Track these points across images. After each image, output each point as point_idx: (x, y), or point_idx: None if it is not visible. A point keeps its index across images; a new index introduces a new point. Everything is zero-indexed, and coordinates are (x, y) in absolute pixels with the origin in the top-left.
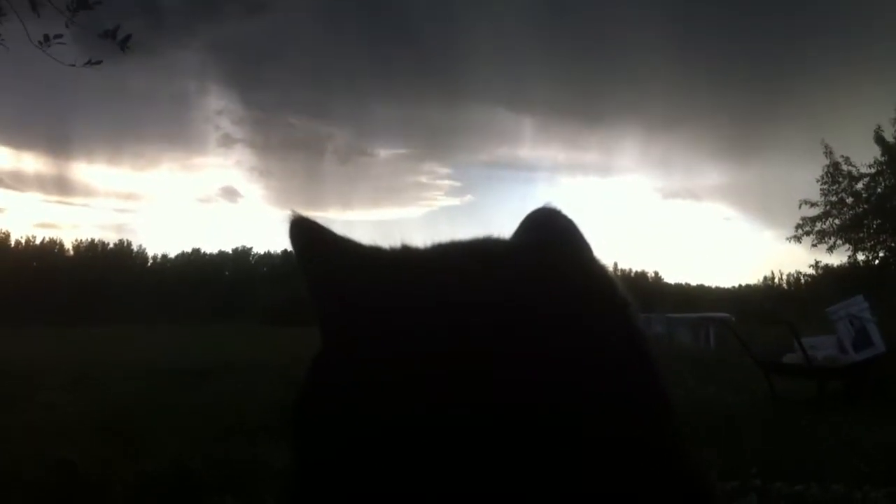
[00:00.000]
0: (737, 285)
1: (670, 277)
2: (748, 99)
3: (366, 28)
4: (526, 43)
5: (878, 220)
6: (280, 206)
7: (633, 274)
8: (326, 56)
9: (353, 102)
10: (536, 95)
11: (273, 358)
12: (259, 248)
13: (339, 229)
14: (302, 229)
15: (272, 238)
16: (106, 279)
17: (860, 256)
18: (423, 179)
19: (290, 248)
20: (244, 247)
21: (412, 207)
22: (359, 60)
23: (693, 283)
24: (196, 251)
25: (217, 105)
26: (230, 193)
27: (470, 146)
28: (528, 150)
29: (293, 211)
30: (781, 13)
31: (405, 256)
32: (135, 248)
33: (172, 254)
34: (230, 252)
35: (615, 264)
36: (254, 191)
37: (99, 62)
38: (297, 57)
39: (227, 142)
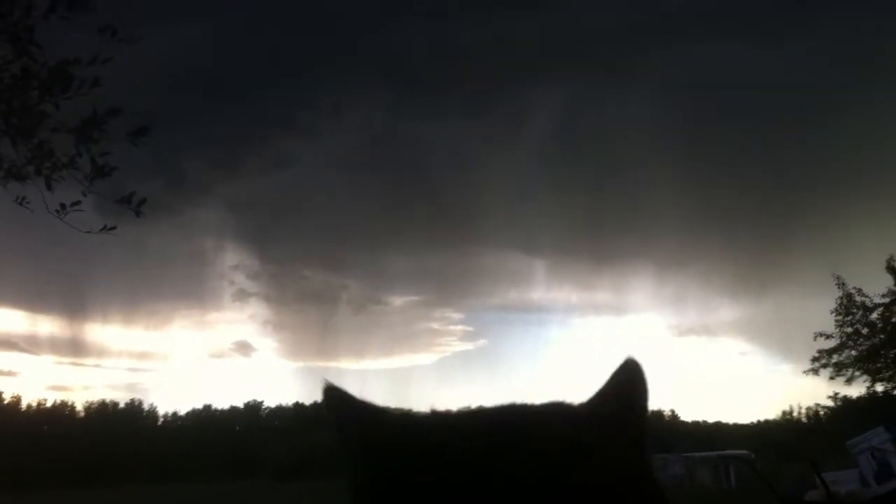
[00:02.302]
0: (755, 421)
1: (687, 415)
2: (759, 235)
3: (379, 181)
4: (536, 188)
5: (895, 350)
6: (294, 358)
7: (649, 413)
8: (341, 210)
9: (367, 253)
10: (548, 239)
11: None
12: (270, 402)
13: (354, 378)
14: (337, 400)
15: (285, 391)
16: (117, 439)
17: (879, 387)
18: (436, 326)
19: (301, 400)
20: (255, 401)
21: (426, 354)
22: (373, 212)
23: (710, 420)
24: (207, 407)
25: (232, 260)
26: (244, 347)
27: (482, 291)
28: (540, 293)
29: (326, 381)
30: (789, 151)
31: (437, 425)
32: (146, 406)
33: (183, 411)
34: (241, 407)
35: None
36: (267, 344)
37: (113, 228)
38: (313, 212)
39: (241, 296)
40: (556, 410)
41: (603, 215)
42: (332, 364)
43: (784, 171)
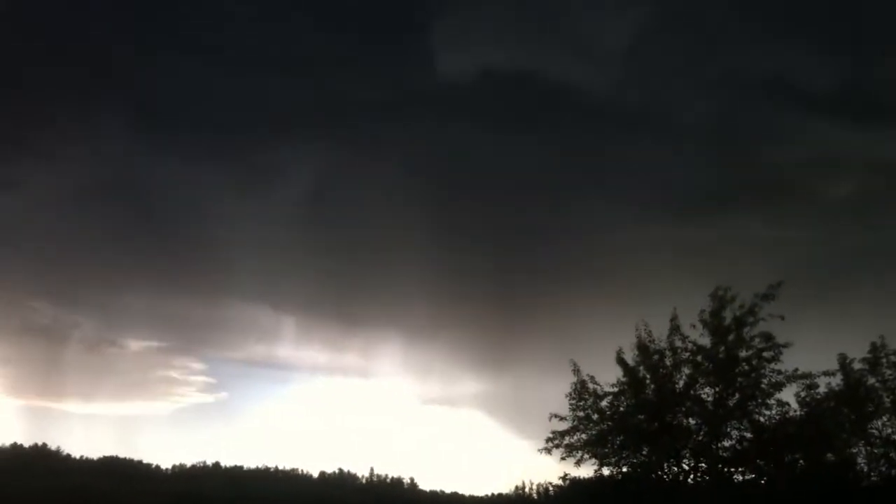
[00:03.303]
0: (489, 493)
1: (426, 484)
2: (506, 314)
3: (122, 216)
4: (288, 245)
5: (621, 437)
6: (14, 395)
7: (389, 480)
8: (77, 242)
9: (105, 291)
10: (298, 297)
11: None
12: None
13: (80, 422)
14: None
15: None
16: None
17: (605, 471)
18: (175, 374)
19: (20, 441)
20: None
21: (161, 403)
22: (114, 247)
23: (448, 490)
24: None
25: None
26: None
27: (228, 343)
28: (288, 350)
29: None
30: (540, 236)
31: None
32: None
33: None
34: None
35: (371, 469)
36: None
37: None
38: (45, 238)
39: None
40: None
41: (355, 280)
42: (58, 405)
43: (531, 262)
